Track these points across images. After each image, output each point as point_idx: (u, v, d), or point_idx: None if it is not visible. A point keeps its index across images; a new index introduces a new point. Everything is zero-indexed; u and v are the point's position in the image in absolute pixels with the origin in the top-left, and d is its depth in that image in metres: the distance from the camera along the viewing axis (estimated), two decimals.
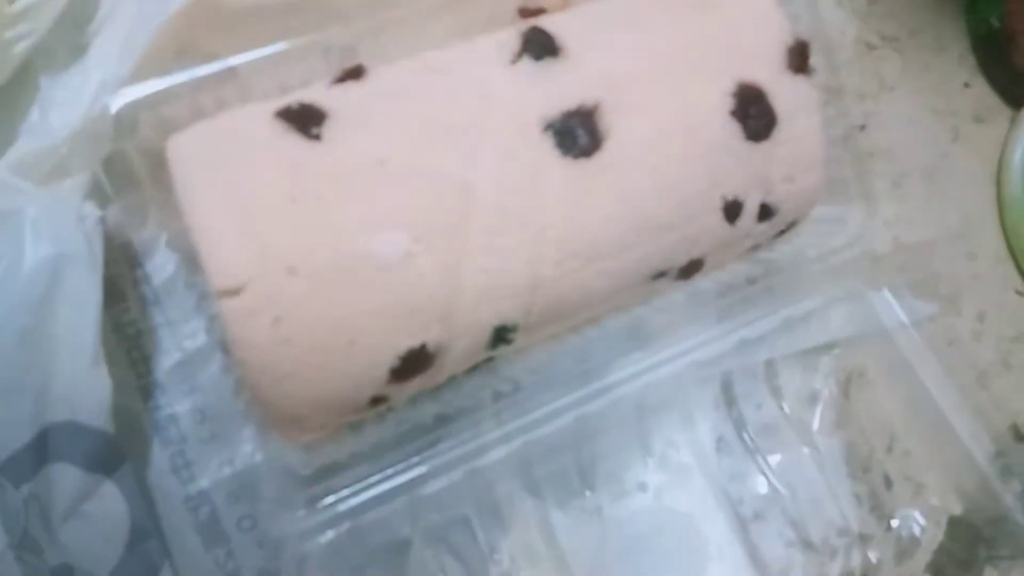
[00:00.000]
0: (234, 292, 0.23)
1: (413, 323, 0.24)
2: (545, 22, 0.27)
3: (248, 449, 0.29)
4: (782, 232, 0.31)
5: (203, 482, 0.29)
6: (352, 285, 0.23)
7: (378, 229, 0.24)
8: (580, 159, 0.25)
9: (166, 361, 0.29)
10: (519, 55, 0.26)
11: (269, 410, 0.24)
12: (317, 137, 0.24)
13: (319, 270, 0.23)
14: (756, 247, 0.32)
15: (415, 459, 0.28)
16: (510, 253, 0.25)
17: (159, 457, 0.29)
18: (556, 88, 0.26)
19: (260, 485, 0.29)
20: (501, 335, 0.26)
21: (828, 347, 0.36)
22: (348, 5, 0.27)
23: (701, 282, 0.31)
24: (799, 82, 0.28)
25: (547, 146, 0.25)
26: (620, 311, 0.31)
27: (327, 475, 0.28)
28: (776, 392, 0.35)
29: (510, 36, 0.27)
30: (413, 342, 0.25)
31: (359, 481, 0.27)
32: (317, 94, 0.25)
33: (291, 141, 0.24)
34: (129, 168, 0.26)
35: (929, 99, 0.42)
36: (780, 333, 0.33)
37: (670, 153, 0.27)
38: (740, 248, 0.31)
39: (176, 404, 0.29)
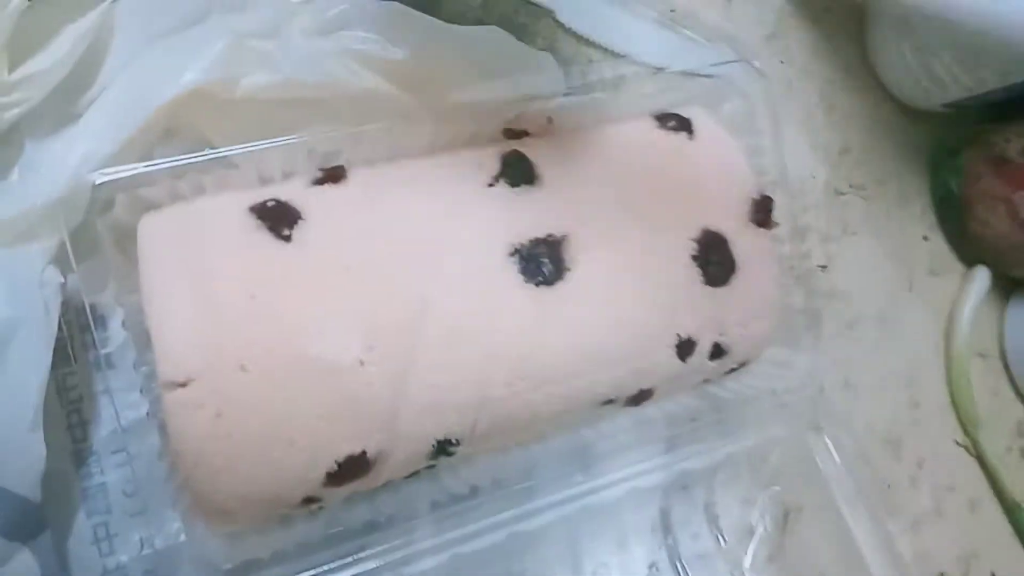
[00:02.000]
0: (181, 384, 0.23)
1: (355, 429, 0.25)
2: (527, 147, 0.28)
3: (172, 529, 0.29)
4: (732, 370, 0.32)
5: (123, 557, 0.28)
6: (300, 387, 0.24)
7: (333, 334, 0.24)
8: (541, 287, 0.26)
9: (104, 429, 0.29)
10: (496, 178, 0.27)
11: (199, 501, 0.24)
12: (287, 238, 0.24)
13: (269, 369, 0.23)
14: (706, 381, 0.32)
15: (341, 562, 0.27)
16: (460, 370, 0.25)
17: (82, 526, 0.28)
18: (528, 215, 0.27)
19: (179, 570, 0.28)
20: (443, 448, 0.27)
21: (768, 483, 0.37)
22: (338, 107, 0.28)
23: (649, 409, 0.32)
24: (760, 235, 0.30)
25: (511, 271, 0.26)
26: (567, 429, 0.31)
27: (250, 569, 0.27)
28: (713, 523, 0.36)
29: (490, 157, 0.28)
30: (353, 448, 0.25)
31: None
32: (295, 192, 0.26)
33: (260, 238, 0.24)
34: (97, 239, 0.26)
35: (888, 247, 0.43)
36: (723, 466, 0.34)
37: (630, 290, 0.27)
38: (690, 382, 0.31)
39: (107, 474, 0.29)
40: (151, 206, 0.25)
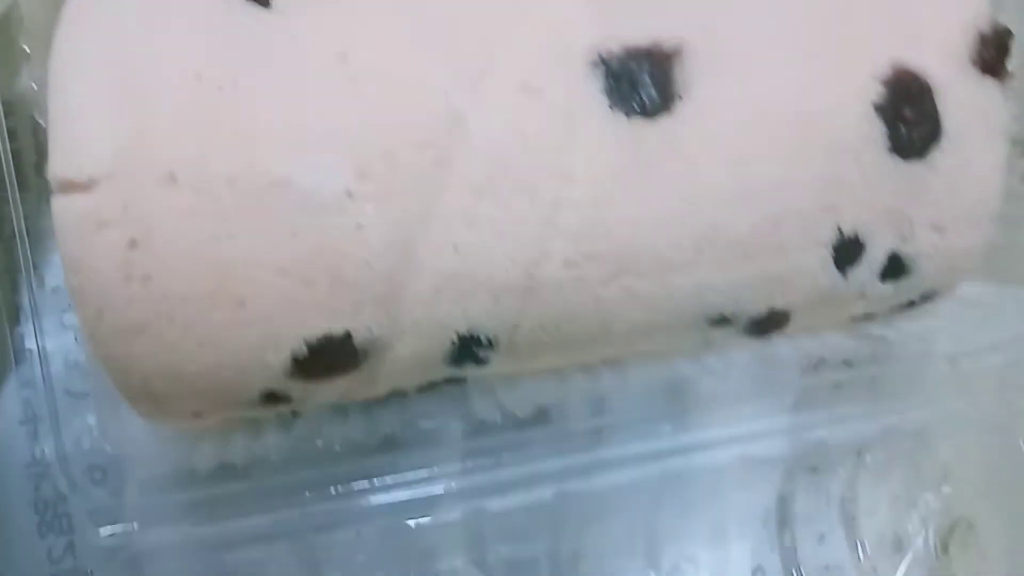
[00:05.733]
0: (80, 187, 0.15)
1: (337, 299, 0.17)
2: None
3: (130, 422, 0.22)
4: (912, 304, 0.22)
5: (56, 445, 0.22)
6: (255, 221, 0.16)
7: (311, 149, 0.16)
8: (635, 119, 0.17)
9: (54, 277, 0.22)
10: None
11: (111, 372, 0.17)
12: (265, 2, 0.17)
13: (211, 186, 0.16)
14: (869, 317, 0.22)
15: (320, 495, 0.20)
16: (501, 231, 0.17)
17: (10, 399, 0.22)
18: (628, 8, 0.18)
19: (126, 473, 0.22)
20: (470, 349, 0.18)
21: (936, 480, 0.26)
22: None
23: (780, 346, 0.22)
24: (986, 88, 0.19)
25: (591, 89, 0.17)
26: (655, 358, 0.22)
27: (205, 483, 0.20)
28: (850, 525, 0.26)
29: None
30: (332, 326, 0.17)
31: (240, 506, 0.20)
32: None
33: None
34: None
35: None
36: (873, 445, 0.24)
37: (771, 142, 0.18)
38: (847, 312, 0.22)
39: (52, 336, 0.22)
40: None
